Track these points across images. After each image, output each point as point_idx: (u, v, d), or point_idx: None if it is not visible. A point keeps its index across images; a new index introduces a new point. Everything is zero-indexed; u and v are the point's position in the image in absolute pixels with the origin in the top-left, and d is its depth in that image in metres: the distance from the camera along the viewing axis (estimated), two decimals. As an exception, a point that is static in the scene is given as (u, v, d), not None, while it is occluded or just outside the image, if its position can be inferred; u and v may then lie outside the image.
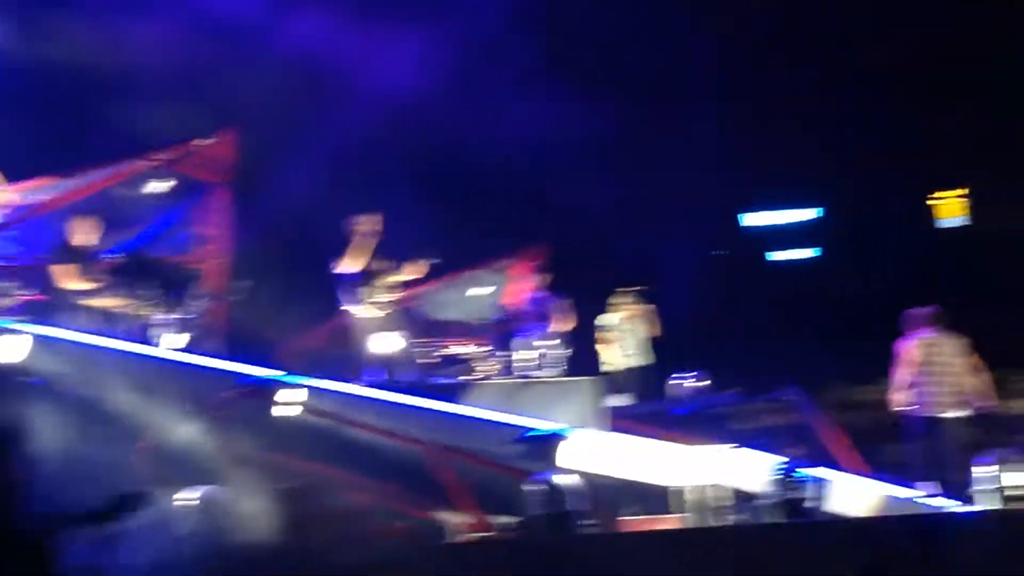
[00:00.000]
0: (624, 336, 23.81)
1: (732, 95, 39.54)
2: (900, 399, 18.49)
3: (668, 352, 23.68)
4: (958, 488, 17.38)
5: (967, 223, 49.90)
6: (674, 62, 36.48)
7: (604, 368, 23.13)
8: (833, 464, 18.90)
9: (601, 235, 29.59)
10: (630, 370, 23.67)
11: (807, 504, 16.20)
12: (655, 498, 17.11)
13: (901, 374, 18.33)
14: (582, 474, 16.07)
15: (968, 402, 18.34)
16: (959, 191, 49.85)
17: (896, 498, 17.63)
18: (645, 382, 23.46)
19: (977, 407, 18.25)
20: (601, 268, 26.08)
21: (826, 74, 42.47)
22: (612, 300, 24.18)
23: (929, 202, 49.79)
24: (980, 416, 18.74)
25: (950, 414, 18.18)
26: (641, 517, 17.04)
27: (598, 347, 23.78)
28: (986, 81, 42.42)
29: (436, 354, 20.94)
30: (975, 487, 16.75)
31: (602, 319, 24.03)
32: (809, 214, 46.62)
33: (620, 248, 29.23)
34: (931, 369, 18.07)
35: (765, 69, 40.33)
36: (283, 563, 13.34)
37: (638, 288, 24.42)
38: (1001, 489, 16.01)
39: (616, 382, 22.82)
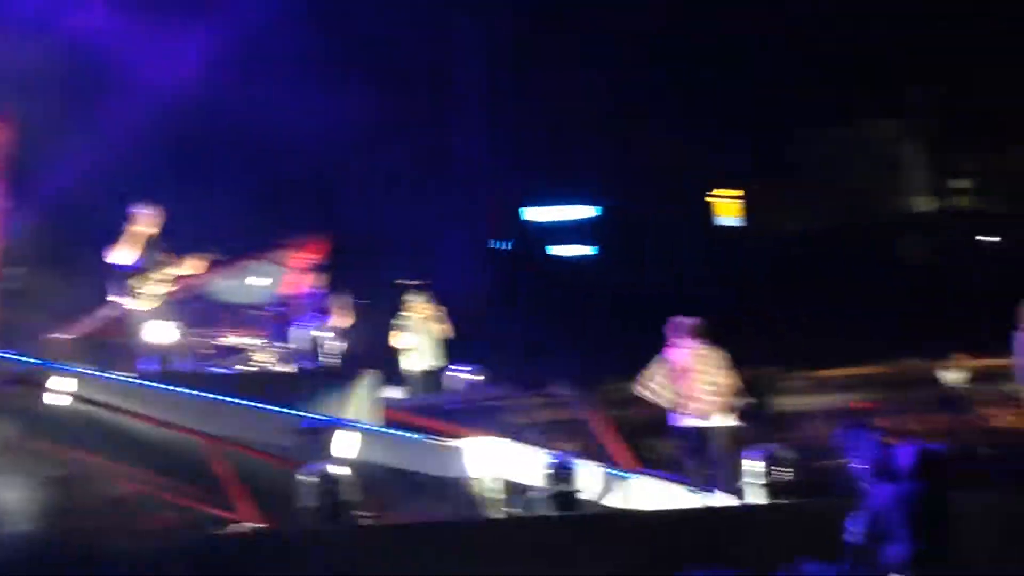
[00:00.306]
0: (420, 337, 23.80)
1: (517, 91, 39.80)
2: (662, 402, 18.71)
3: (450, 345, 23.76)
4: (727, 482, 17.69)
5: (742, 224, 51.06)
6: (454, 58, 36.64)
7: (402, 369, 23.15)
8: (606, 459, 19.12)
9: (381, 228, 29.59)
10: (425, 372, 23.69)
11: (579, 497, 16.37)
12: (430, 490, 17.14)
13: (662, 379, 18.54)
14: (356, 465, 16.03)
15: (730, 410, 18.63)
16: (735, 192, 50.95)
17: (669, 493, 17.89)
18: (437, 382, 23.51)
19: (735, 415, 18.50)
20: (380, 261, 26.06)
21: (609, 73, 42.99)
22: (406, 299, 24.13)
23: (708, 199, 50.82)
24: (748, 414, 19.08)
25: (713, 423, 18.42)
26: (415, 509, 17.05)
27: (392, 342, 23.73)
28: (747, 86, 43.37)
29: (212, 344, 20.75)
30: (744, 481, 17.06)
31: (398, 320, 23.99)
32: (589, 211, 47.18)
33: (399, 241, 29.27)
34: (694, 378, 18.29)
35: (550, 66, 40.68)
36: (46, 552, 13.12)
37: (419, 283, 24.42)
38: (769, 483, 16.33)
39: (412, 383, 22.88)
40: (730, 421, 18.26)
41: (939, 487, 13.75)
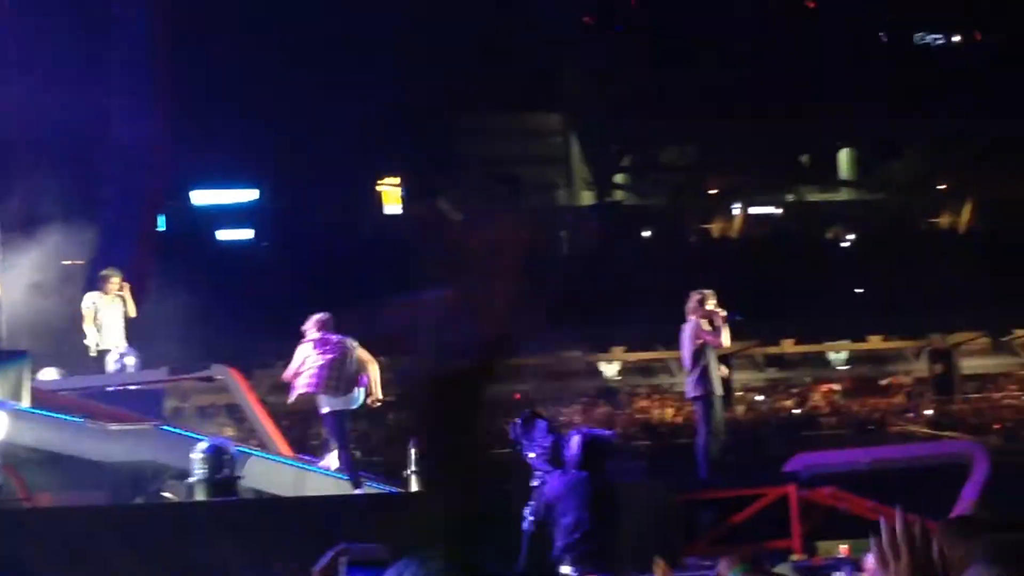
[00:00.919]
0: (109, 317, 22.81)
1: (183, 72, 39.08)
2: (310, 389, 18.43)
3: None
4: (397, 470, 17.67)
5: (399, 212, 51.27)
6: (111, 43, 35.87)
7: (89, 351, 22.23)
8: (264, 444, 18.85)
9: (47, 205, 28.66)
10: (102, 352, 22.79)
11: (236, 482, 16.09)
12: (82, 472, 16.67)
13: (309, 367, 18.24)
14: (2, 447, 15.48)
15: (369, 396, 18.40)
16: (395, 180, 51.07)
17: (326, 479, 17.70)
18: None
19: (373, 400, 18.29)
20: (47, 239, 25.14)
21: (269, 56, 42.64)
22: (103, 275, 23.05)
23: (379, 188, 50.83)
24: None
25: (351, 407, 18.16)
26: (66, 492, 16.57)
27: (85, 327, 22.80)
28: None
29: None
30: (411, 469, 17.04)
31: (88, 298, 22.95)
32: (252, 194, 46.70)
33: (65, 219, 28.36)
34: (335, 365, 18.02)
35: (205, 50, 40.13)
36: None
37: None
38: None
39: (92, 364, 21.99)
40: (341, 406, 17.95)
41: (604, 474, 13.92)
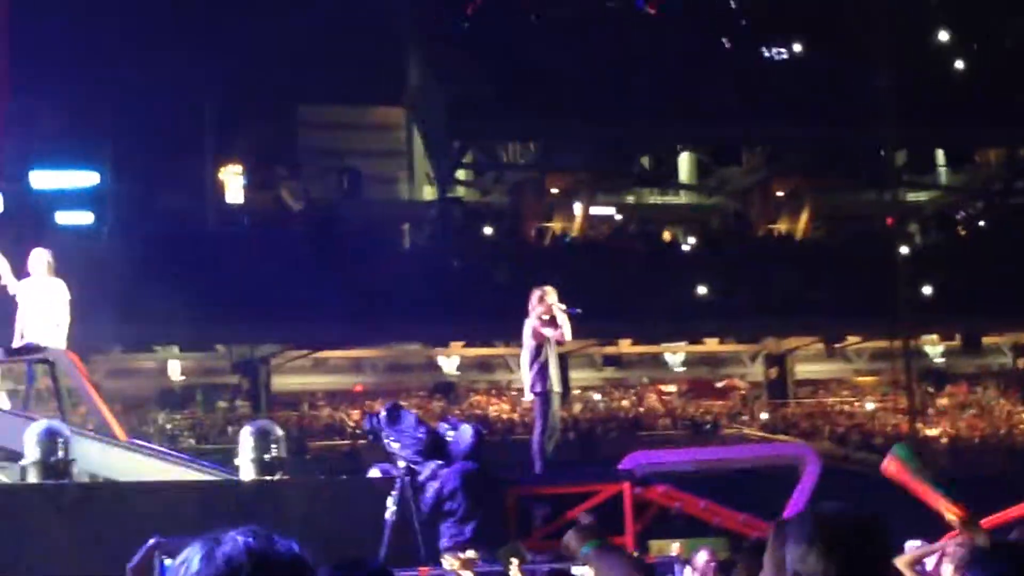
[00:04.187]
0: None
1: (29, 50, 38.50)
2: None
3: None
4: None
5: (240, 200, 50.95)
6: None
7: None
8: (99, 428, 18.64)
9: None
10: None
11: (70, 465, 15.91)
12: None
13: None
14: None
15: None
16: (235, 166, 50.69)
17: (160, 464, 17.57)
18: None
19: None
20: None
21: (113, 37, 42.11)
22: None
23: (220, 175, 50.39)
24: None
25: None
26: None
27: None
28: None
29: None
30: (241, 457, 16.94)
31: None
32: (93, 177, 46.03)
33: None
34: None
35: (46, 26, 39.58)
36: None
37: None
38: (257, 459, 16.20)
39: None
40: None
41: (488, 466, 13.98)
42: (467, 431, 14.35)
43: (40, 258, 18.13)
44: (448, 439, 15.43)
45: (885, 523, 4.37)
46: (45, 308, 17.90)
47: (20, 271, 18.00)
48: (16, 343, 17.95)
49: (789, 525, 4.50)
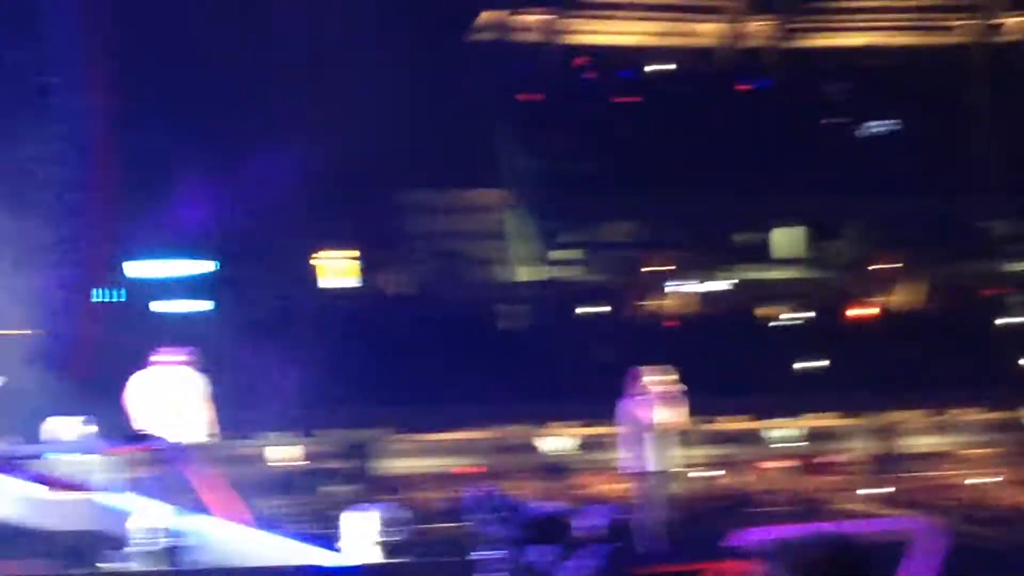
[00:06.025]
0: None
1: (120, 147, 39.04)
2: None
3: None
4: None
5: (357, 284, 51.08)
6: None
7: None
8: (214, 513, 18.63)
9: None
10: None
11: (184, 552, 15.92)
12: (24, 541, 16.48)
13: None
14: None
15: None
16: (350, 253, 50.96)
17: (285, 548, 17.53)
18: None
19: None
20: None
21: (218, 128, 42.55)
22: None
23: (313, 262, 50.69)
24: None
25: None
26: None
27: None
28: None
29: None
30: (345, 539, 16.88)
31: None
32: (197, 267, 46.43)
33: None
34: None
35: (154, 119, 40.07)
36: None
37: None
38: (381, 542, 16.20)
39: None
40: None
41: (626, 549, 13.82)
42: (602, 514, 14.18)
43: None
44: (566, 521, 15.27)
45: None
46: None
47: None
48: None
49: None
